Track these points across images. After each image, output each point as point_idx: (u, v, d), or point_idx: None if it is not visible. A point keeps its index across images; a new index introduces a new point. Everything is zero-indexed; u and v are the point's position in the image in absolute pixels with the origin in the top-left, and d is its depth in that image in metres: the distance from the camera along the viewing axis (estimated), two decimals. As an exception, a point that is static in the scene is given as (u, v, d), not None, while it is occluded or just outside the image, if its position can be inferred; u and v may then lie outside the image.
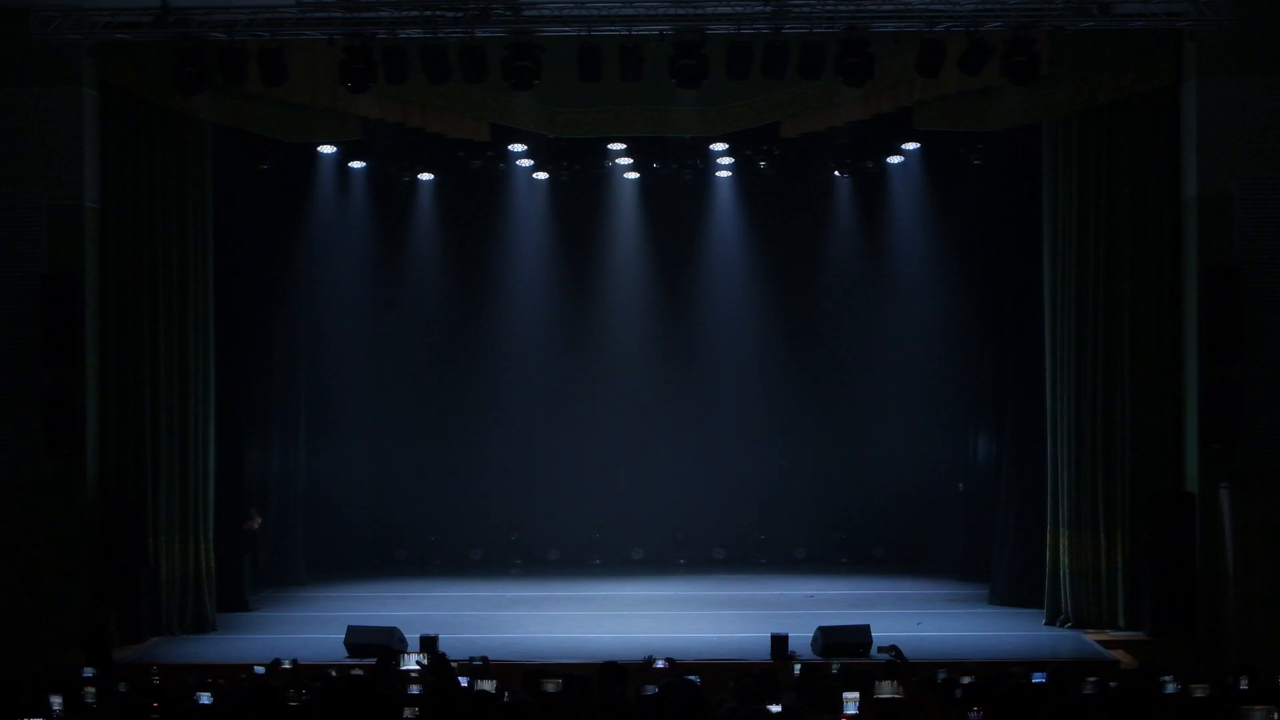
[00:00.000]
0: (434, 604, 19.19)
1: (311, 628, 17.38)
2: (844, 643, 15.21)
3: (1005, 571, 18.69)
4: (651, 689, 10.60)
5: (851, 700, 9.46)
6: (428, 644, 14.43)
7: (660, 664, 13.22)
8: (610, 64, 15.49)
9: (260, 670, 12.76)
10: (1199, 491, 16.63)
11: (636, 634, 16.22)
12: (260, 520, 19.92)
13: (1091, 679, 10.91)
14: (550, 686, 10.47)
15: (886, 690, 9.88)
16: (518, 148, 19.81)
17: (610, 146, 20.01)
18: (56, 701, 9.68)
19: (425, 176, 21.41)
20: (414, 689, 10.69)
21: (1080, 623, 17.13)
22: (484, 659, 12.92)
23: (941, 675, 11.53)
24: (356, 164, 20.66)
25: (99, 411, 17.08)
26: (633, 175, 21.57)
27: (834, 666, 12.41)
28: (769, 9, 15.18)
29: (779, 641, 15.08)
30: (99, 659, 14.38)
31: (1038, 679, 11.06)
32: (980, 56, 15.32)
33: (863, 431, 22.11)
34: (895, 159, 20.69)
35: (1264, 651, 14.93)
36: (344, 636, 15.58)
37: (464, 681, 10.74)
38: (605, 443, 22.21)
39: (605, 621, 17.75)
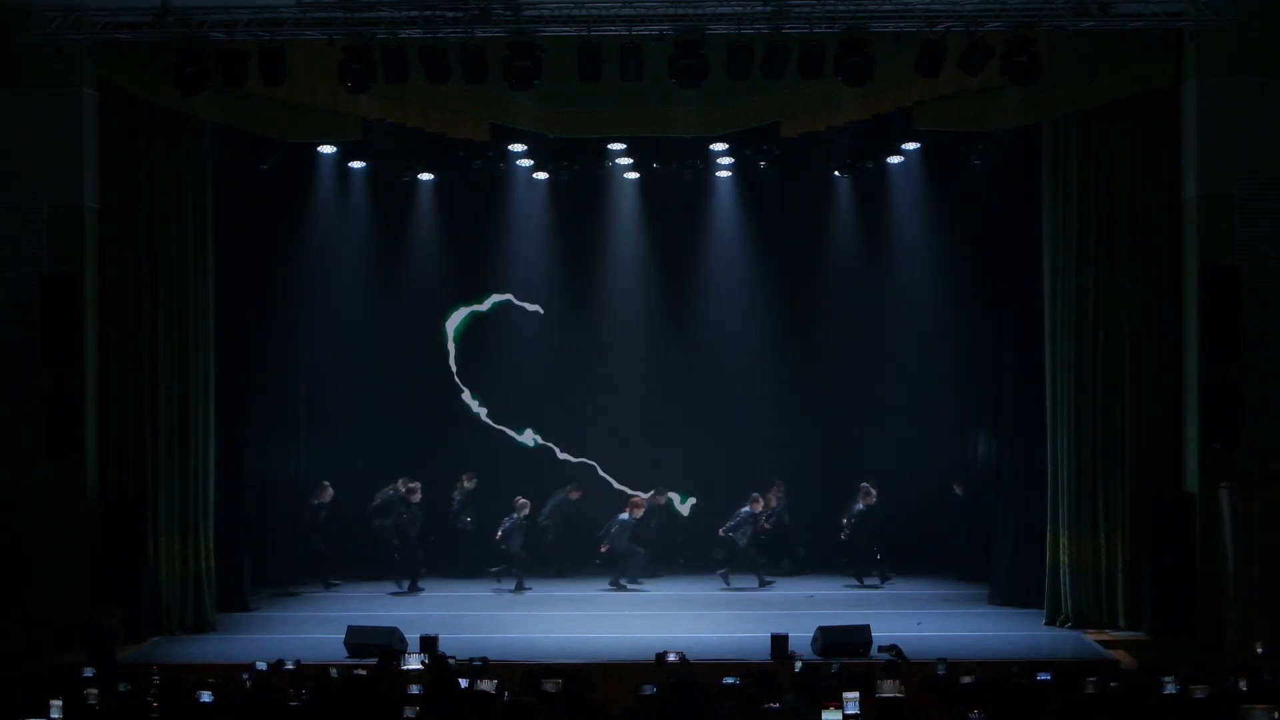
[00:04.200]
0: (434, 604, 19.18)
1: (311, 628, 17.37)
2: (844, 643, 15.20)
3: (1005, 571, 18.64)
4: (650, 689, 10.61)
5: (851, 700, 9.46)
6: (428, 644, 14.43)
7: (672, 657, 13.25)
8: (610, 64, 15.49)
9: (262, 667, 12.78)
10: (1199, 491, 16.63)
11: (636, 634, 16.22)
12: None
13: (1092, 679, 10.93)
14: (550, 686, 10.49)
15: (888, 689, 9.90)
16: (518, 148, 19.78)
17: (610, 146, 19.98)
18: (57, 703, 9.69)
19: (425, 176, 21.37)
20: (414, 689, 10.71)
21: (1080, 623, 17.13)
22: (484, 659, 12.94)
23: (941, 673, 11.55)
24: (356, 164, 20.63)
25: (99, 411, 17.08)
26: (633, 175, 21.54)
27: (834, 666, 12.42)
28: (769, 9, 15.20)
29: (779, 641, 15.07)
30: (101, 659, 14.37)
31: (1039, 679, 11.07)
32: (980, 56, 15.33)
33: (863, 431, 22.07)
34: (895, 159, 20.64)
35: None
36: (344, 636, 15.59)
37: (464, 682, 10.76)
38: (605, 443, 22.16)
39: (605, 621, 17.75)
